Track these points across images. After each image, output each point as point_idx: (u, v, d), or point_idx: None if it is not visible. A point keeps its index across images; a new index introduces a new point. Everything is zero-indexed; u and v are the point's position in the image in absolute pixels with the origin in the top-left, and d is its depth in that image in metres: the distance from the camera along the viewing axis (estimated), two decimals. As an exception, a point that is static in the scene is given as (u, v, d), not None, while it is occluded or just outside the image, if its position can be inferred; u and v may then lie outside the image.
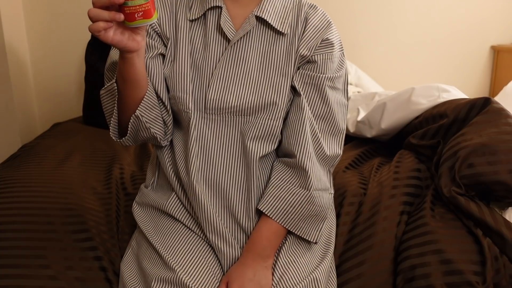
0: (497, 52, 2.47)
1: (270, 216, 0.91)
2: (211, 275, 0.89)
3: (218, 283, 0.89)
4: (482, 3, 2.43)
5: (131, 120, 0.90)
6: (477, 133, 1.08)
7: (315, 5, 0.97)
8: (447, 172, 1.06)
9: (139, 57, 0.84)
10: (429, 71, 2.51)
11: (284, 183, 0.92)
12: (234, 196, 0.94)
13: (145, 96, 0.90)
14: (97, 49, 1.85)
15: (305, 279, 0.88)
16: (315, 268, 0.92)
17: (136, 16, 0.77)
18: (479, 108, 1.17)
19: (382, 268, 1.00)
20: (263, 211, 0.92)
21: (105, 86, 0.91)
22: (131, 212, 1.07)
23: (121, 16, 0.76)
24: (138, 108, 0.89)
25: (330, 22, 0.96)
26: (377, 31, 2.43)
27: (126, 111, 0.91)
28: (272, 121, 0.93)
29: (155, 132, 0.94)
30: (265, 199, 0.92)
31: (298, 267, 0.90)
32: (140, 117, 0.90)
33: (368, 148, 1.44)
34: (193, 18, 0.94)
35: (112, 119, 0.91)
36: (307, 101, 0.94)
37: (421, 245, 0.98)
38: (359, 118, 1.52)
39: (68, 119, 2.10)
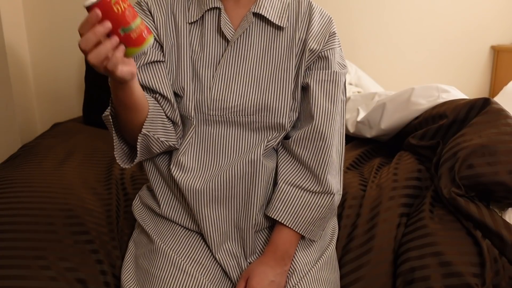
0: (497, 52, 2.47)
1: (292, 227, 0.92)
2: (213, 266, 0.92)
3: (219, 271, 0.92)
4: (482, 3, 2.42)
5: (139, 140, 0.87)
6: (477, 134, 1.08)
7: (311, 2, 0.98)
8: (447, 173, 1.06)
9: (136, 80, 0.82)
10: (429, 71, 2.50)
11: (298, 189, 0.93)
12: (236, 198, 0.93)
13: (148, 113, 0.87)
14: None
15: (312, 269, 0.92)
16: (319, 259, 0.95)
17: (143, 34, 0.71)
18: (479, 108, 1.17)
19: (382, 271, 1.00)
20: (280, 220, 0.92)
21: (103, 115, 0.88)
22: (130, 212, 1.07)
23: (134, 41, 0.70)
24: (144, 126, 0.86)
25: (330, 16, 0.98)
26: (377, 31, 2.43)
27: (134, 131, 0.88)
28: (275, 118, 0.93)
29: (167, 140, 0.91)
30: (280, 207, 0.92)
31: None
32: (148, 133, 0.87)
33: (368, 149, 1.44)
34: (192, 20, 0.93)
35: (115, 146, 0.89)
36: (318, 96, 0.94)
37: (421, 247, 0.98)
38: (358, 119, 1.52)
39: (68, 119, 2.10)
